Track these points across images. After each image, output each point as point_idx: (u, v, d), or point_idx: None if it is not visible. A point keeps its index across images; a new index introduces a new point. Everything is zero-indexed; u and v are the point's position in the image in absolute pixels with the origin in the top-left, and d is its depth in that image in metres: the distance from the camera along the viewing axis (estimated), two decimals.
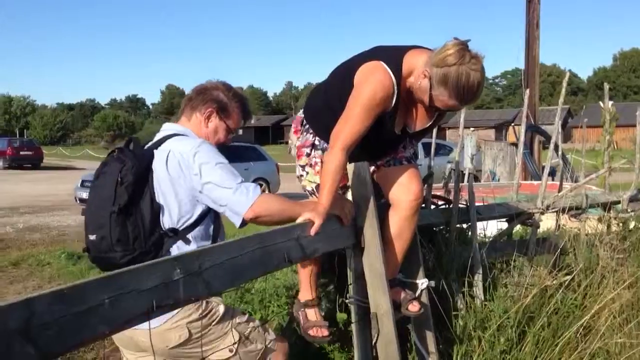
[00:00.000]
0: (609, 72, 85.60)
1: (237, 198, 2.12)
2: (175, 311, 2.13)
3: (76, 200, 13.67)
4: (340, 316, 3.06)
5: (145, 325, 2.11)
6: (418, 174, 2.59)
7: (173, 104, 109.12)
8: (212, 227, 2.30)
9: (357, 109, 2.24)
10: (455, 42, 2.16)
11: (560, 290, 3.15)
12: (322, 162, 2.54)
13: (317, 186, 2.53)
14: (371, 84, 2.24)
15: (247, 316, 2.39)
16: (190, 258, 1.58)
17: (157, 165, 2.20)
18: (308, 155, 2.61)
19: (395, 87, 2.27)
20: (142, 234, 2.12)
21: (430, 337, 2.79)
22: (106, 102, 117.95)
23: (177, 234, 2.18)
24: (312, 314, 2.70)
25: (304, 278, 2.73)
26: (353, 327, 2.53)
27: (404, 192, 2.53)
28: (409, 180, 2.54)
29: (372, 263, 2.47)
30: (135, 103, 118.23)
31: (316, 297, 2.76)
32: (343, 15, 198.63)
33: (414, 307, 2.56)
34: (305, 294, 2.74)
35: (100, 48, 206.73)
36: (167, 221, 2.19)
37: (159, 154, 2.22)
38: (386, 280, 2.46)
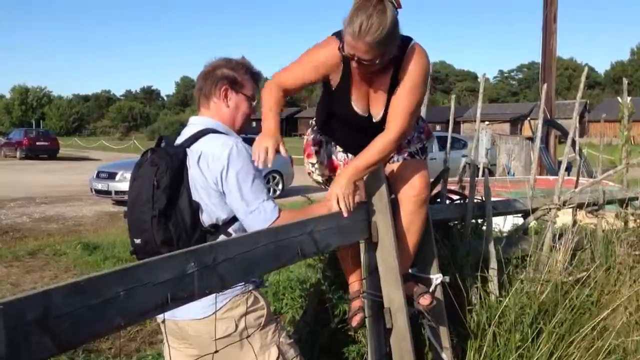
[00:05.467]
0: (627, 66, 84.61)
1: (254, 218, 2.15)
2: (223, 302, 2.15)
3: (92, 191, 13.77)
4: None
5: (191, 314, 2.15)
6: (423, 168, 2.58)
7: (187, 96, 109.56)
8: None
9: (301, 56, 2.38)
10: None
11: (576, 287, 3.12)
12: (328, 157, 2.66)
13: (327, 179, 2.65)
14: (319, 43, 2.36)
15: (292, 340, 2.38)
16: (204, 251, 1.59)
17: (191, 165, 2.20)
18: (317, 152, 2.68)
19: (342, 59, 2.29)
20: (184, 234, 2.13)
21: (444, 332, 2.78)
22: (121, 94, 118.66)
23: (218, 230, 2.19)
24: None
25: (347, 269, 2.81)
26: (367, 321, 2.53)
27: (407, 187, 2.54)
28: (412, 175, 2.54)
29: (385, 258, 2.47)
30: (150, 94, 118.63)
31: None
32: None
33: (425, 301, 2.55)
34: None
35: (115, 39, 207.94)
36: (207, 219, 2.19)
37: (191, 154, 2.21)
38: (399, 274, 2.45)
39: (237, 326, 2.19)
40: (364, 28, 2.07)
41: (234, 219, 2.23)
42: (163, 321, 2.26)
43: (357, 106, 2.42)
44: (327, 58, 2.32)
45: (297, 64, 2.38)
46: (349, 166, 2.33)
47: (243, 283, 2.20)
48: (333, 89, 2.41)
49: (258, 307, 2.26)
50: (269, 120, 2.36)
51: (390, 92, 2.33)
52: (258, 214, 2.15)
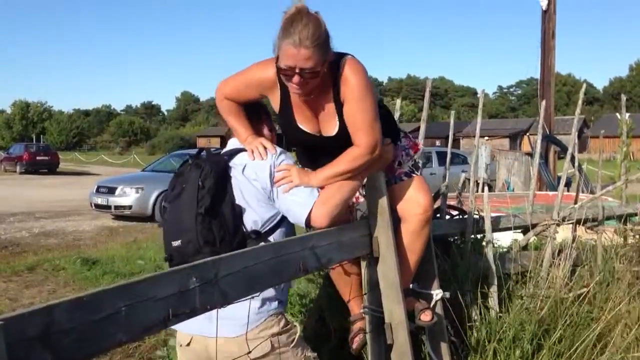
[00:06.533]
0: (625, 82, 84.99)
1: (297, 206, 2.22)
2: (257, 322, 2.17)
3: (91, 206, 13.76)
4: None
5: (224, 333, 2.09)
6: (423, 184, 2.57)
7: (187, 111, 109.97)
8: (292, 228, 2.36)
9: (242, 71, 2.41)
10: None
11: (576, 303, 3.12)
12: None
13: None
14: (258, 63, 2.37)
15: (315, 354, 2.41)
16: (206, 267, 1.59)
17: (236, 173, 2.27)
18: None
19: (279, 81, 2.29)
20: (227, 235, 2.14)
21: (444, 347, 2.77)
22: (122, 108, 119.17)
23: (260, 237, 2.21)
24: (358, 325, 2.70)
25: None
26: (367, 337, 2.52)
27: (412, 206, 2.52)
28: (415, 193, 2.52)
29: (387, 273, 2.47)
30: (150, 109, 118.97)
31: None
32: (356, 21, 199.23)
33: (425, 317, 2.55)
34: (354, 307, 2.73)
35: (116, 54, 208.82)
36: (250, 224, 2.23)
37: (235, 167, 2.29)
38: (401, 290, 2.45)
39: (272, 345, 2.20)
40: (304, 35, 2.09)
41: (275, 227, 2.27)
42: (188, 344, 2.25)
43: (305, 127, 2.39)
44: (263, 80, 2.33)
45: (237, 78, 2.42)
46: (319, 173, 2.30)
47: (277, 302, 2.25)
48: (277, 111, 2.41)
49: (290, 326, 2.29)
50: (245, 128, 2.42)
51: (338, 108, 2.28)
52: (298, 200, 2.21)
